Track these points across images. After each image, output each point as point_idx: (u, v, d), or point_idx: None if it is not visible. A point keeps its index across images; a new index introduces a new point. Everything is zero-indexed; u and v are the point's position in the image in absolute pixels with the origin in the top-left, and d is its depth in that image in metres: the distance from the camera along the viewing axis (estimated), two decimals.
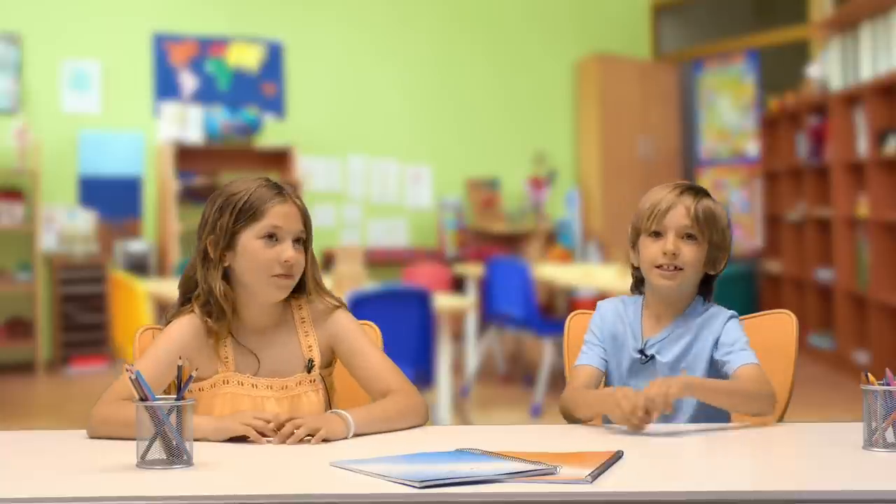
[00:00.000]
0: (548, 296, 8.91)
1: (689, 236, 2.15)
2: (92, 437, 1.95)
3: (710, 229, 2.15)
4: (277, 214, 2.03)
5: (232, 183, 2.10)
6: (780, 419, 2.19)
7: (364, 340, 2.14)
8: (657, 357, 2.16)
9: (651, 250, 2.16)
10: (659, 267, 2.15)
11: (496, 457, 1.70)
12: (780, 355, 2.23)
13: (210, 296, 2.04)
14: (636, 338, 2.19)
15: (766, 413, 2.05)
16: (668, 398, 1.92)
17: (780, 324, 2.28)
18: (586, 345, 2.23)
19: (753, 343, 2.17)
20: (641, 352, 2.17)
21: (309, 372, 2.11)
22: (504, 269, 6.86)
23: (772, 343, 2.22)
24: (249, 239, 2.03)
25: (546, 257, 8.81)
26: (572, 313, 2.38)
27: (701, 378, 2.10)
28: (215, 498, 1.55)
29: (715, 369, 2.15)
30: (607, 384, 2.22)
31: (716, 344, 2.14)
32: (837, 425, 2.03)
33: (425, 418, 2.06)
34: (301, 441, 1.86)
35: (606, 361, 2.21)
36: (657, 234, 2.16)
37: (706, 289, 2.22)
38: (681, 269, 2.14)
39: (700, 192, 2.19)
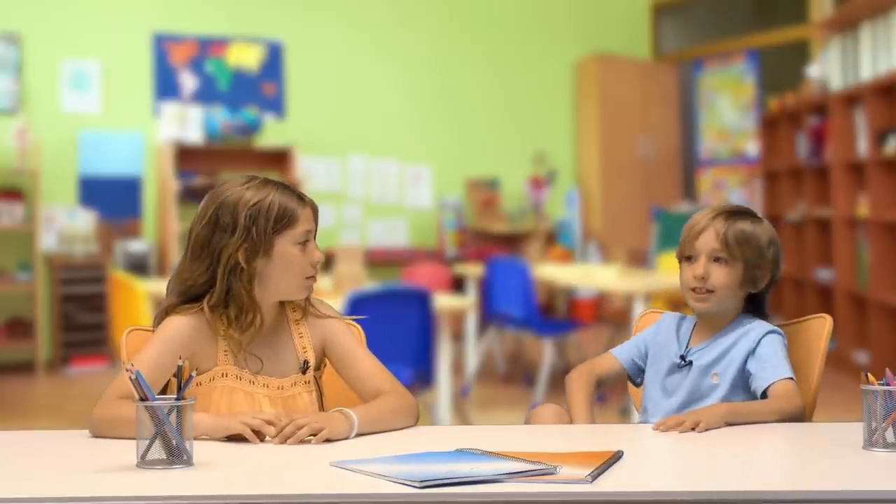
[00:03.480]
0: (548, 296, 8.91)
1: (720, 259, 2.18)
2: (94, 437, 1.95)
3: (742, 250, 2.18)
4: (308, 218, 2.08)
5: (230, 188, 2.06)
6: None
7: (354, 342, 2.16)
8: (694, 362, 2.21)
9: (685, 274, 2.22)
10: (693, 290, 2.20)
11: (496, 457, 1.70)
12: (816, 359, 2.23)
13: (235, 303, 2.04)
14: (681, 345, 2.25)
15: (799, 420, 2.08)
16: (700, 428, 1.95)
17: (822, 328, 2.27)
18: (630, 340, 2.33)
19: (792, 349, 2.22)
20: (682, 357, 2.22)
21: (304, 373, 2.12)
22: (504, 269, 6.86)
23: (812, 348, 2.23)
24: (286, 245, 2.05)
25: (546, 257, 8.82)
26: (642, 312, 2.45)
27: (736, 404, 2.11)
28: (215, 498, 1.55)
29: (744, 378, 2.17)
30: (645, 389, 2.28)
31: (751, 354, 2.16)
32: (837, 425, 2.03)
33: (417, 418, 2.07)
34: (302, 441, 1.86)
35: (637, 365, 2.30)
36: (690, 259, 2.22)
37: (755, 306, 2.25)
38: (712, 291, 2.18)
39: (735, 215, 2.21)
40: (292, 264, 2.06)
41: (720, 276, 2.18)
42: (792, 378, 2.12)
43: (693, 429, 1.94)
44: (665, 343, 2.27)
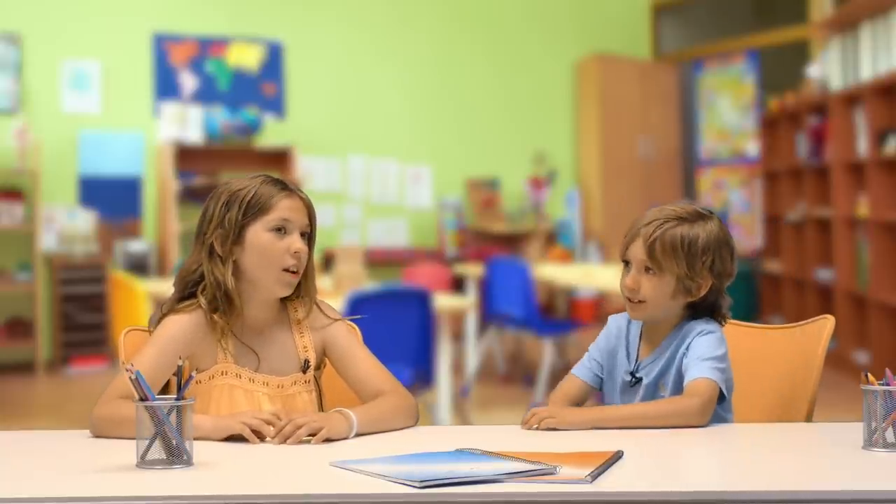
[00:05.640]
0: (548, 296, 8.91)
1: (650, 269, 2.11)
2: (94, 437, 1.95)
3: (669, 263, 2.08)
4: (285, 207, 2.06)
5: (233, 180, 2.12)
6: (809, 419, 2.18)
7: (355, 343, 2.16)
8: (643, 379, 2.17)
9: (622, 280, 2.15)
10: (627, 298, 2.14)
11: (496, 457, 1.70)
12: (816, 359, 2.21)
13: (218, 290, 2.05)
14: (630, 359, 2.20)
15: (694, 425, 2.00)
16: (547, 425, 1.99)
17: (822, 328, 2.24)
18: (586, 356, 2.26)
19: (794, 351, 2.21)
20: (633, 374, 2.18)
21: (304, 372, 2.12)
22: (504, 269, 6.86)
23: (812, 348, 2.21)
24: (258, 232, 2.05)
25: (546, 257, 8.82)
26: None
27: (611, 409, 2.10)
28: (215, 498, 1.54)
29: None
30: (605, 400, 2.24)
31: (683, 357, 2.11)
32: (837, 425, 2.03)
33: (416, 419, 2.07)
34: (301, 441, 1.86)
35: (600, 378, 2.24)
36: (626, 264, 2.15)
37: (701, 309, 2.16)
38: (644, 301, 2.12)
39: (669, 221, 2.10)
40: (265, 251, 2.04)
41: (649, 287, 2.10)
42: (708, 377, 2.03)
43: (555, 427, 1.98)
44: (615, 352, 2.22)
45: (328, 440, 1.87)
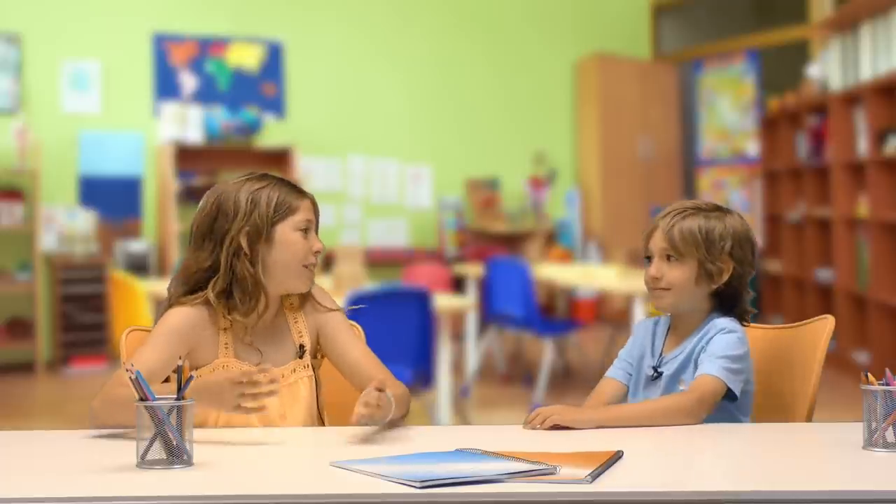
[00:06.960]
0: (548, 296, 8.91)
1: (671, 257, 2.19)
2: (93, 427, 1.96)
3: (689, 248, 2.16)
4: (308, 208, 2.13)
5: (233, 182, 2.12)
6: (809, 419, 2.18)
7: (348, 332, 2.19)
8: (664, 373, 2.21)
9: (645, 274, 2.24)
10: (652, 289, 2.22)
11: (496, 457, 1.70)
12: (816, 359, 2.21)
13: (242, 287, 2.06)
14: (654, 355, 2.25)
15: (686, 422, 2.03)
16: (552, 422, 1.99)
17: (823, 328, 2.25)
18: (618, 358, 2.32)
19: (794, 351, 2.22)
20: (655, 368, 2.22)
21: (301, 357, 2.15)
22: (504, 269, 6.86)
23: (812, 348, 2.21)
24: (287, 231, 2.09)
25: (546, 257, 8.82)
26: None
27: (616, 409, 2.14)
28: (215, 498, 1.55)
29: None
30: (629, 396, 2.28)
31: (702, 353, 2.15)
32: (837, 425, 2.03)
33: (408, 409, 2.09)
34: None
35: (632, 376, 2.29)
36: (649, 259, 2.23)
37: (728, 304, 2.22)
38: (668, 289, 2.19)
39: (686, 212, 2.19)
40: (293, 247, 2.09)
41: (673, 274, 2.18)
42: (714, 375, 2.07)
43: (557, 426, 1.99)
44: (641, 354, 2.27)
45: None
